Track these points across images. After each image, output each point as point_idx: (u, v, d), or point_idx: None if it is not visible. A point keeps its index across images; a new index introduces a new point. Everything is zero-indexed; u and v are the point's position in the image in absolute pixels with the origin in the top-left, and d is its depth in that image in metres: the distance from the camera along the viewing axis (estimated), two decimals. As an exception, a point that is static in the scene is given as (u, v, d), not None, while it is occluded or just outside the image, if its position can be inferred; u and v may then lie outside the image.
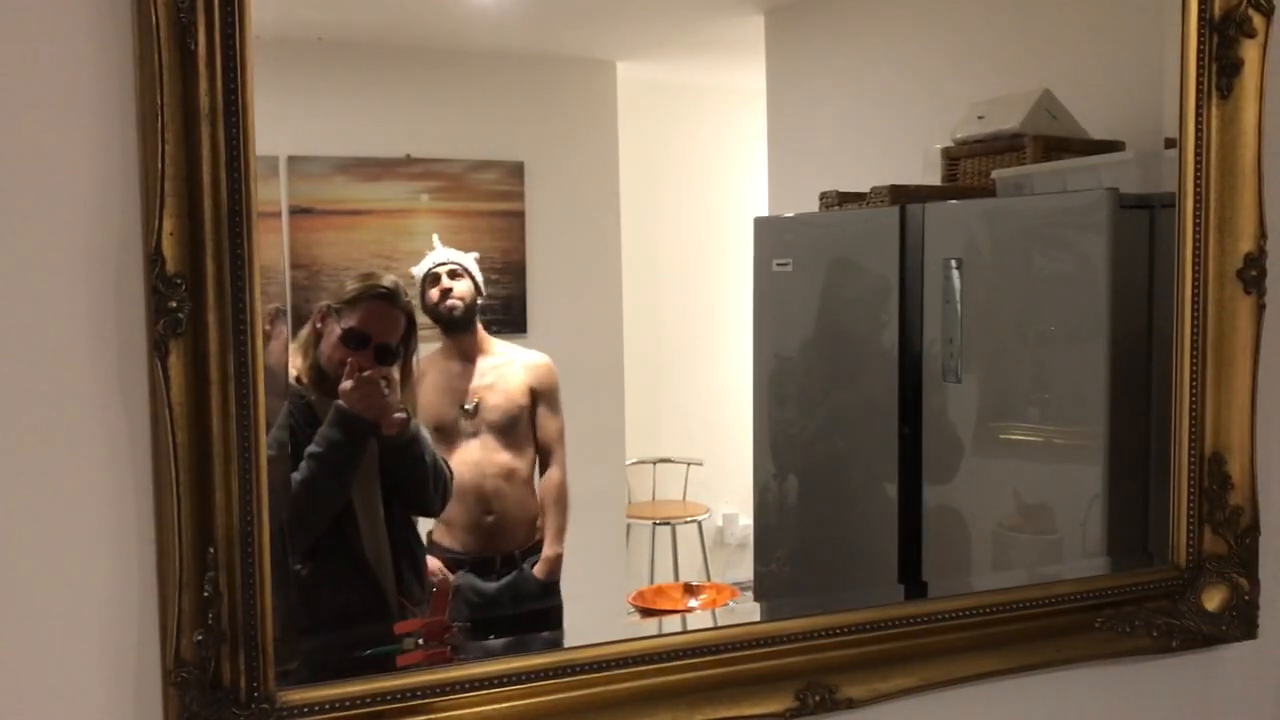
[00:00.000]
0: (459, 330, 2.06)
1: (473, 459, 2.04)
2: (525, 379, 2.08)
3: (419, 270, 2.02)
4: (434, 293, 2.02)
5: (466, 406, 2.04)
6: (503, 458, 2.07)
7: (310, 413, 1.69)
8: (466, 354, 2.07)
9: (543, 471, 2.10)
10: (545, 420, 2.09)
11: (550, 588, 2.08)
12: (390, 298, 1.81)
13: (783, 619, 1.53)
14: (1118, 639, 1.66)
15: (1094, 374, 1.88)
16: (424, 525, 1.94)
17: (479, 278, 2.07)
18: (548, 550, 2.08)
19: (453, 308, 2.04)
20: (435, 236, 2.05)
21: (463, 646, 1.74)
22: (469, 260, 2.06)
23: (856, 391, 2.20)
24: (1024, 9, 2.18)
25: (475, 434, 2.05)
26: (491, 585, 2.03)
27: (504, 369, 2.09)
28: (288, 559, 1.31)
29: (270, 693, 1.20)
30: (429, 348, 2.02)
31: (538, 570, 2.07)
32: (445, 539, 2.00)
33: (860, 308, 2.18)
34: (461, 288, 2.04)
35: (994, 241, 2.09)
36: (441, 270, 2.03)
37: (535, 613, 2.09)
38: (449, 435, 2.03)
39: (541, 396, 2.09)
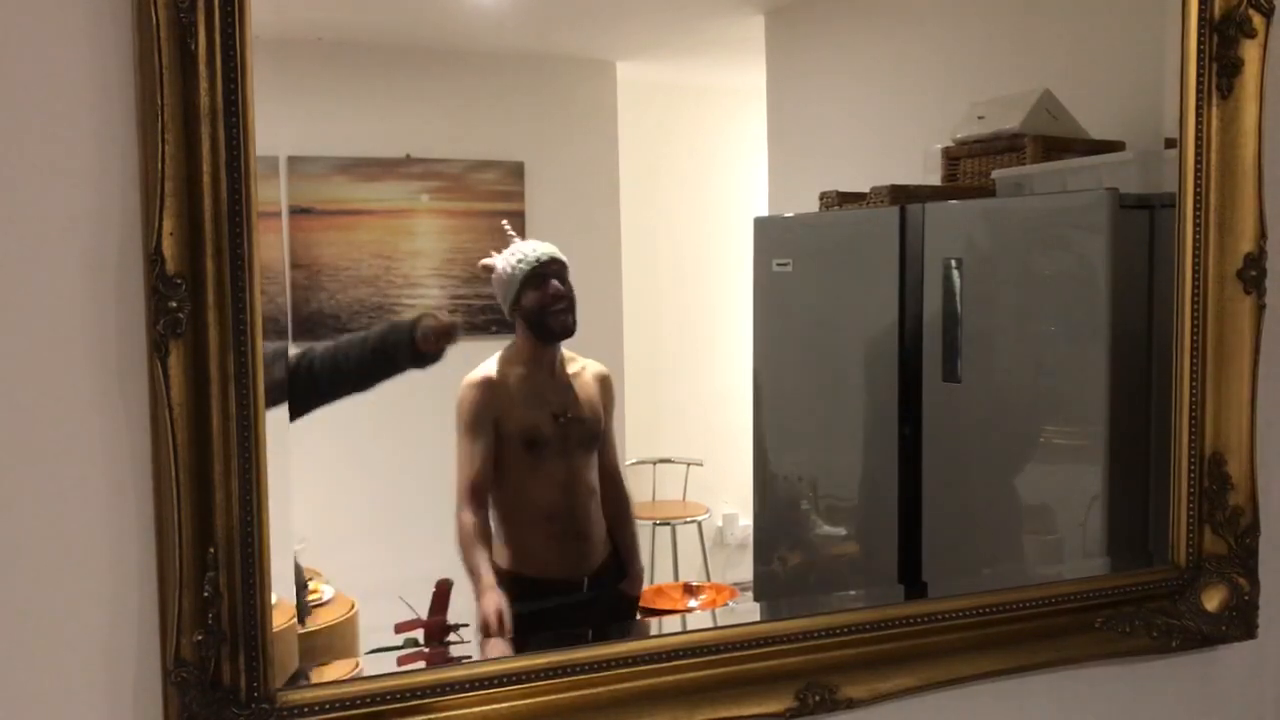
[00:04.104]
0: (559, 339, 1.88)
1: (563, 478, 1.89)
2: (599, 390, 1.93)
3: (515, 269, 1.84)
4: (537, 296, 1.83)
5: (561, 420, 1.88)
6: (590, 476, 1.92)
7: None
8: (552, 361, 1.89)
9: (606, 485, 1.94)
10: (609, 432, 1.95)
11: (636, 601, 1.96)
12: None
13: (783, 619, 1.53)
14: (1118, 639, 1.66)
15: (1094, 374, 1.88)
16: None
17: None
18: (635, 566, 1.96)
19: (565, 322, 1.85)
20: (505, 223, 1.87)
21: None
22: (561, 253, 1.88)
23: (856, 391, 2.20)
24: (1024, 9, 2.17)
25: (565, 450, 1.89)
26: (581, 603, 1.89)
27: (583, 378, 1.92)
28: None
29: (270, 693, 1.20)
30: (489, 346, 1.87)
31: (629, 587, 1.95)
32: (526, 568, 1.83)
33: (860, 308, 2.18)
34: (570, 292, 1.84)
35: (994, 241, 2.09)
36: (548, 271, 1.83)
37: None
38: (538, 450, 1.87)
39: (609, 409, 1.94)
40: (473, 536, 1.79)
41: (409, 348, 1.75)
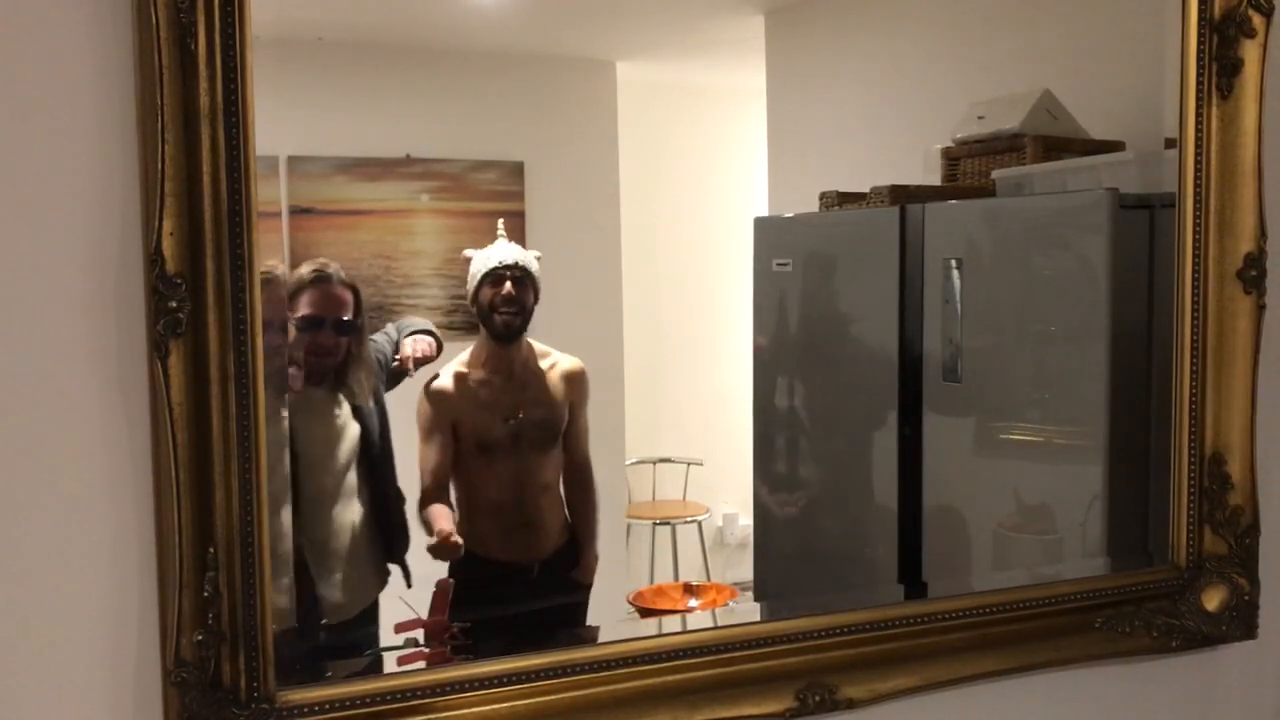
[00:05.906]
0: (509, 340, 1.97)
1: (512, 477, 1.98)
2: (564, 389, 2.00)
3: (480, 266, 1.93)
4: (490, 294, 1.93)
5: (511, 422, 1.96)
6: (543, 473, 2.01)
7: None
8: (511, 364, 1.98)
9: (571, 475, 2.03)
10: (578, 426, 2.01)
11: (586, 588, 2.04)
12: (329, 279, 1.78)
13: (783, 619, 1.53)
14: (1118, 639, 1.66)
15: (1094, 374, 1.88)
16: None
17: (539, 284, 1.97)
18: (589, 555, 2.03)
19: (509, 321, 1.95)
20: (501, 222, 1.97)
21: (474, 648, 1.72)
22: (534, 263, 1.97)
23: (857, 392, 2.20)
24: (1024, 9, 2.17)
25: (516, 450, 1.98)
26: (530, 584, 1.99)
27: (547, 377, 1.99)
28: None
29: (270, 693, 1.20)
30: (458, 347, 1.94)
31: (580, 575, 2.02)
32: (479, 548, 1.92)
33: (860, 308, 2.18)
34: (522, 297, 1.95)
35: (994, 241, 2.09)
36: (506, 273, 1.93)
37: (563, 609, 2.04)
38: (490, 451, 1.96)
39: (577, 404, 2.01)
40: (431, 510, 1.92)
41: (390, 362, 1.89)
